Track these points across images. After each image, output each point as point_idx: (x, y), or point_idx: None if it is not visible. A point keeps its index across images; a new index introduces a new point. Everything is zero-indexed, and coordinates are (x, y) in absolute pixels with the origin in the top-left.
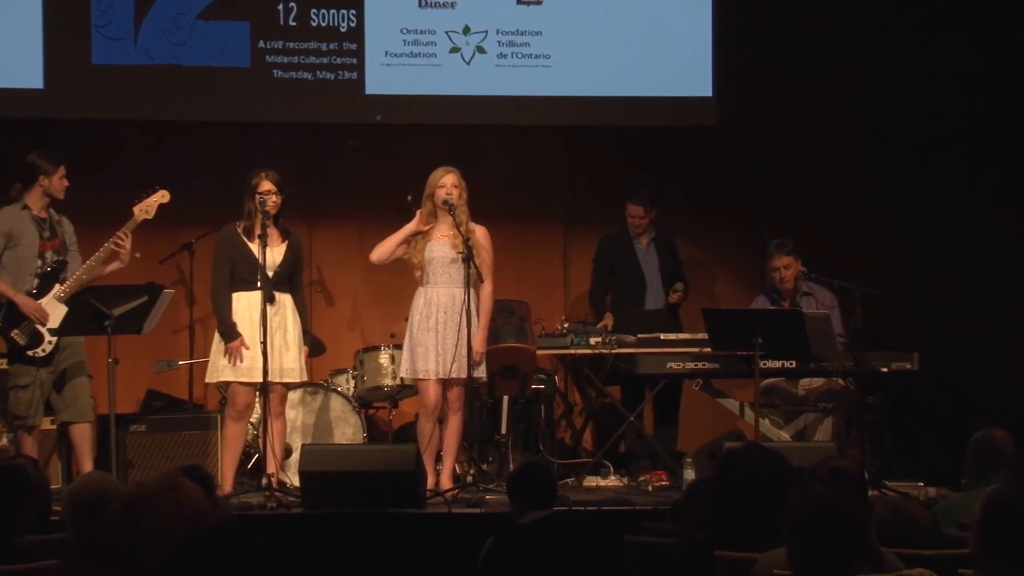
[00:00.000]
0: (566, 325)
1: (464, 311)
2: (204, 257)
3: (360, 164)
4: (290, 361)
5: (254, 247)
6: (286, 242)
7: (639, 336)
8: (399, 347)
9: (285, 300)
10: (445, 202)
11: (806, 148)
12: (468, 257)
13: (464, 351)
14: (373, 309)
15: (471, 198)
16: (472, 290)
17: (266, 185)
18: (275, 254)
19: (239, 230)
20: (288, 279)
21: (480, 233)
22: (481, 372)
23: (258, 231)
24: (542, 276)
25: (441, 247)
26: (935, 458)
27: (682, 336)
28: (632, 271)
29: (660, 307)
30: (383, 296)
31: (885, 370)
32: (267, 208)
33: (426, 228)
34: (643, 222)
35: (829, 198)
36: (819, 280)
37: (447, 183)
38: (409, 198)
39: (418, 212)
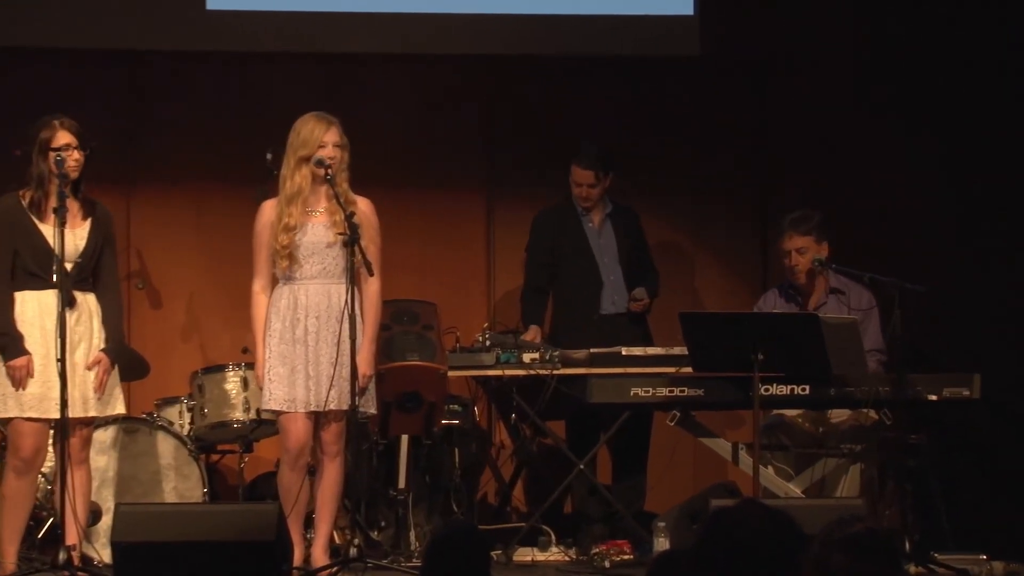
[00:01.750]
0: (488, 335)
1: (346, 315)
2: None
3: (199, 112)
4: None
5: (46, 228)
6: (90, 220)
7: (591, 351)
8: (254, 366)
9: (90, 302)
10: (320, 163)
11: (823, 86)
12: (352, 240)
13: (345, 372)
14: (217, 313)
15: (353, 159)
16: (355, 287)
17: (63, 137)
18: (76, 237)
19: (23, 203)
20: (94, 272)
21: (364, 207)
22: (370, 402)
23: (53, 204)
24: (455, 267)
25: (315, 228)
26: (1002, 521)
27: (651, 351)
28: (580, 260)
29: (621, 311)
30: (231, 295)
31: (934, 398)
32: (65, 171)
33: (292, 214)
34: (593, 192)
35: (855, 155)
36: (844, 272)
37: (328, 141)
38: (268, 157)
39: (280, 177)
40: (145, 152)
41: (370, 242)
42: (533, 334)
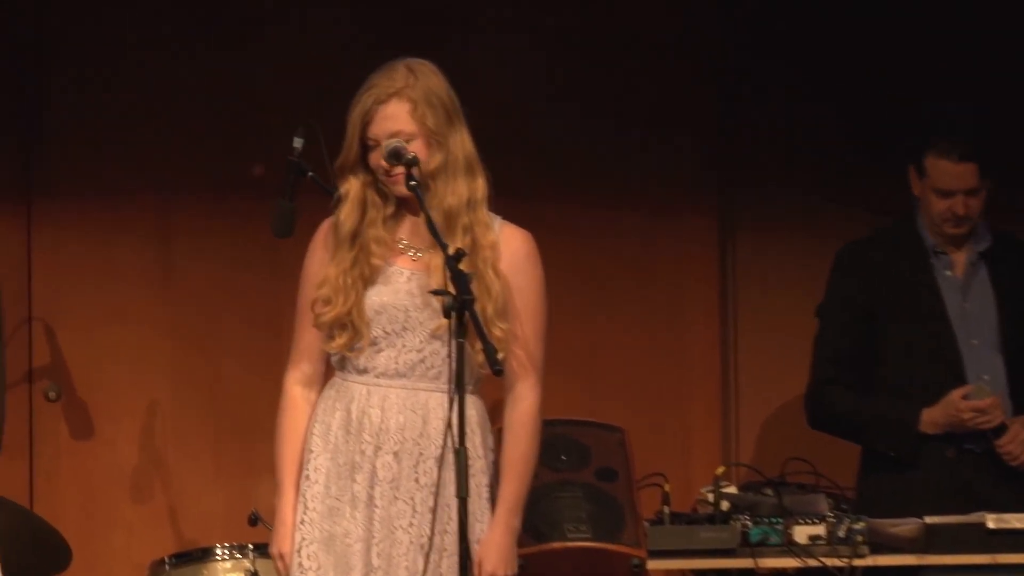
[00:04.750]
0: (725, 490)
1: (454, 447)
2: None
3: (141, 74)
4: None
5: None
6: None
7: (927, 520)
8: (265, 551)
9: None
10: (395, 153)
11: None
12: (458, 304)
13: (448, 566)
14: (198, 440)
15: (492, 156)
16: (474, 395)
17: None
18: None
19: None
20: None
21: (513, 242)
22: None
23: None
24: (660, 355)
25: (400, 277)
26: None
27: None
28: (925, 336)
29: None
30: (222, 405)
31: None
32: None
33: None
34: (972, 205)
35: None
36: None
37: (387, 115)
38: (297, 144)
39: (339, 191)
40: (56, 144)
41: (523, 315)
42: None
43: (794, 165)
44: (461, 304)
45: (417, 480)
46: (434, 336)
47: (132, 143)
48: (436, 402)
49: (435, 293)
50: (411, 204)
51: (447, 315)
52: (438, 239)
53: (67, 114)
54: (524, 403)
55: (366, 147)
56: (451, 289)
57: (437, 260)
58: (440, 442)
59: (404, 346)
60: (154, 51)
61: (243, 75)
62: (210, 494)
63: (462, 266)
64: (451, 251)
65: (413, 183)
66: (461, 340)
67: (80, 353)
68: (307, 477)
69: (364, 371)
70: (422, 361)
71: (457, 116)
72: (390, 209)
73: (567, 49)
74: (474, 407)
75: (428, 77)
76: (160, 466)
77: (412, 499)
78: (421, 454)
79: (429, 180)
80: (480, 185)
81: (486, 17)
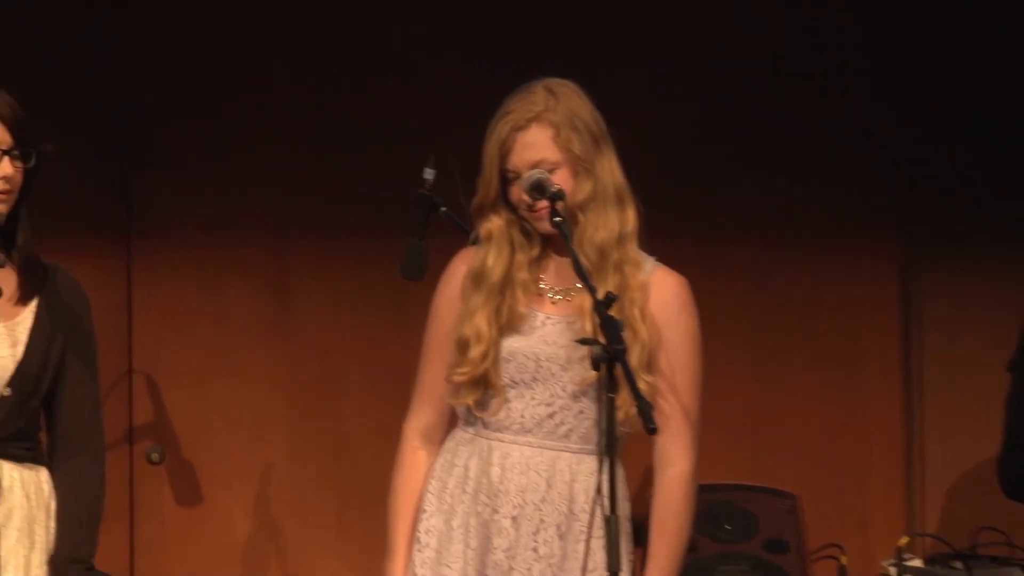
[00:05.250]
0: (913, 563)
1: (604, 515)
2: None
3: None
4: None
5: None
6: (35, 303)
7: None
8: None
9: (33, 482)
10: (538, 186)
11: None
12: (608, 354)
13: None
14: (324, 515)
15: (643, 185)
16: (617, 461)
17: None
18: (7, 338)
19: None
20: (45, 414)
21: (666, 287)
22: None
23: None
24: (834, 410)
25: (535, 321)
26: None
27: None
28: None
29: None
30: (341, 468)
31: None
32: None
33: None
34: None
35: None
36: None
37: (527, 143)
38: (427, 174)
39: (477, 231)
40: (157, 180)
41: (675, 367)
42: None
43: (982, 206)
44: (612, 355)
45: (536, 550)
46: (566, 389)
47: (242, 179)
48: (564, 463)
49: (582, 342)
50: (556, 241)
51: (596, 367)
52: (586, 282)
53: (170, 148)
54: (676, 466)
55: (506, 180)
56: (600, 338)
57: (579, 302)
58: (563, 508)
59: (533, 398)
60: (266, 83)
61: (364, 107)
62: (332, 567)
63: (612, 312)
64: (600, 295)
65: (558, 219)
66: (612, 395)
67: (186, 410)
68: (418, 540)
69: (488, 425)
70: (551, 416)
71: (604, 140)
72: (535, 250)
73: (738, 82)
74: (620, 470)
75: (570, 98)
76: (276, 536)
77: (529, 570)
78: (542, 521)
79: (577, 212)
80: (631, 217)
81: (640, 46)
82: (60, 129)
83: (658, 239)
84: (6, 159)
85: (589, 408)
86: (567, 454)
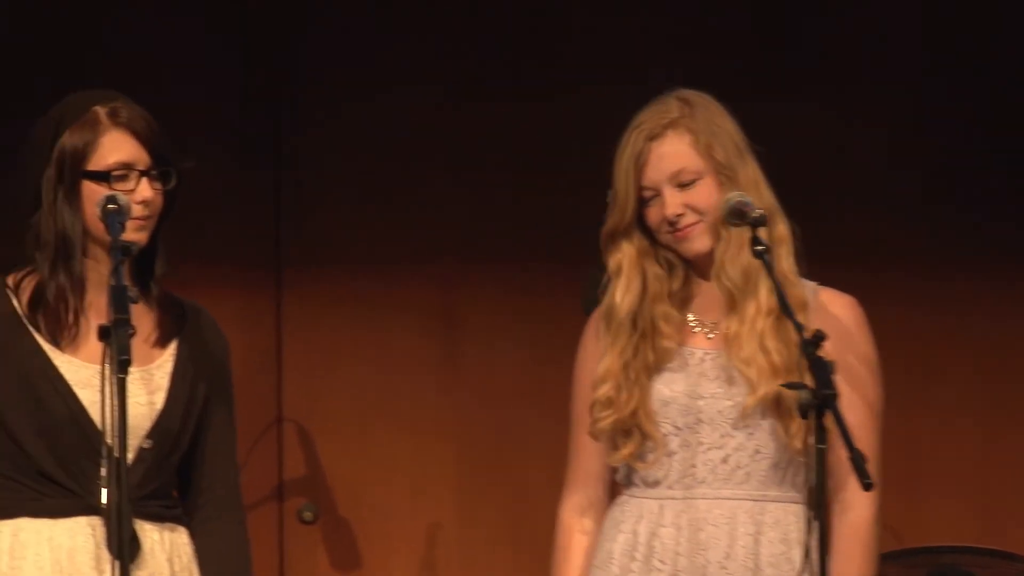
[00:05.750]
0: None
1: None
2: None
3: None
4: None
5: (70, 365)
6: (174, 346)
7: None
8: None
9: (173, 543)
10: (737, 211)
11: None
12: (823, 399)
13: None
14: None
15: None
16: (813, 511)
17: (117, 146)
18: (146, 386)
19: (16, 306)
20: (186, 468)
21: (835, 308)
22: None
23: (93, 315)
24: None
25: (692, 359)
26: None
27: None
28: None
29: None
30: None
31: None
32: (124, 229)
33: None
34: None
35: None
36: None
37: (664, 153)
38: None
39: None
40: (310, 206)
41: (851, 399)
42: None
43: None
44: (822, 400)
45: None
46: (736, 427)
47: (404, 201)
48: (745, 514)
49: (789, 387)
50: (700, 266)
51: (804, 414)
52: (791, 316)
53: (323, 166)
54: (855, 512)
55: (641, 201)
56: (805, 380)
57: (736, 329)
58: (749, 564)
59: (700, 443)
60: (433, 99)
61: (540, 126)
62: None
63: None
64: (808, 333)
65: (761, 248)
66: (823, 447)
67: (342, 463)
68: None
69: (655, 483)
70: (724, 461)
71: (747, 151)
72: (677, 282)
73: (931, 105)
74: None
75: (706, 106)
76: None
77: None
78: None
79: (720, 228)
80: (781, 231)
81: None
82: (202, 141)
83: (866, 270)
84: (144, 181)
85: (766, 445)
86: (747, 503)
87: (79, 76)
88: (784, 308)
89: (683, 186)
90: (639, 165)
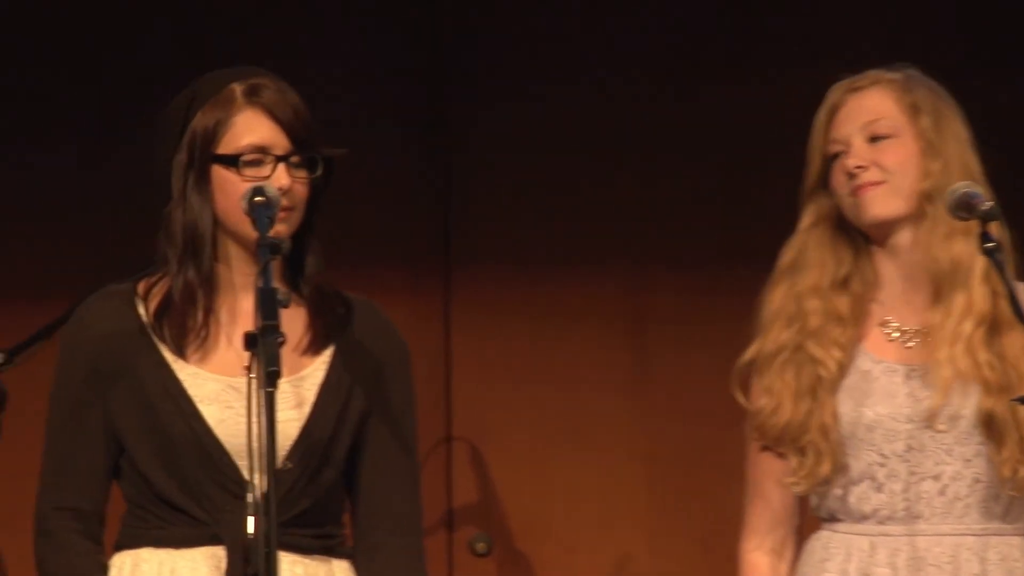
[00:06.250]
0: None
1: None
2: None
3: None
4: None
5: (201, 378)
6: (330, 352)
7: None
8: None
9: (313, 572)
10: (964, 203)
11: None
12: None
13: None
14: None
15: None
16: None
17: (256, 127)
18: (294, 397)
19: (142, 315)
20: (350, 490)
21: None
22: None
23: (234, 320)
24: None
25: (894, 376)
26: None
27: None
28: None
29: None
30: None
31: None
32: (271, 221)
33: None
34: None
35: None
36: None
37: (863, 105)
38: None
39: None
40: (482, 200)
41: None
42: None
43: None
44: None
45: None
46: (952, 453)
47: (588, 195)
48: (968, 551)
49: (1021, 401)
50: (897, 251)
51: None
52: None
53: (496, 155)
54: None
55: (827, 161)
56: None
57: (940, 321)
58: None
59: (913, 473)
60: (628, 89)
61: (743, 113)
62: None
63: None
64: None
65: (991, 245)
66: None
67: (518, 488)
68: None
69: (864, 517)
70: (942, 492)
71: (956, 117)
72: (844, 267)
73: None
74: None
75: (933, 87)
76: None
77: None
78: None
79: (926, 205)
80: (1002, 234)
81: None
82: (365, 127)
83: None
84: (281, 167)
85: (985, 474)
86: (970, 538)
87: (247, 54)
88: (1020, 317)
89: (875, 139)
90: (832, 116)
